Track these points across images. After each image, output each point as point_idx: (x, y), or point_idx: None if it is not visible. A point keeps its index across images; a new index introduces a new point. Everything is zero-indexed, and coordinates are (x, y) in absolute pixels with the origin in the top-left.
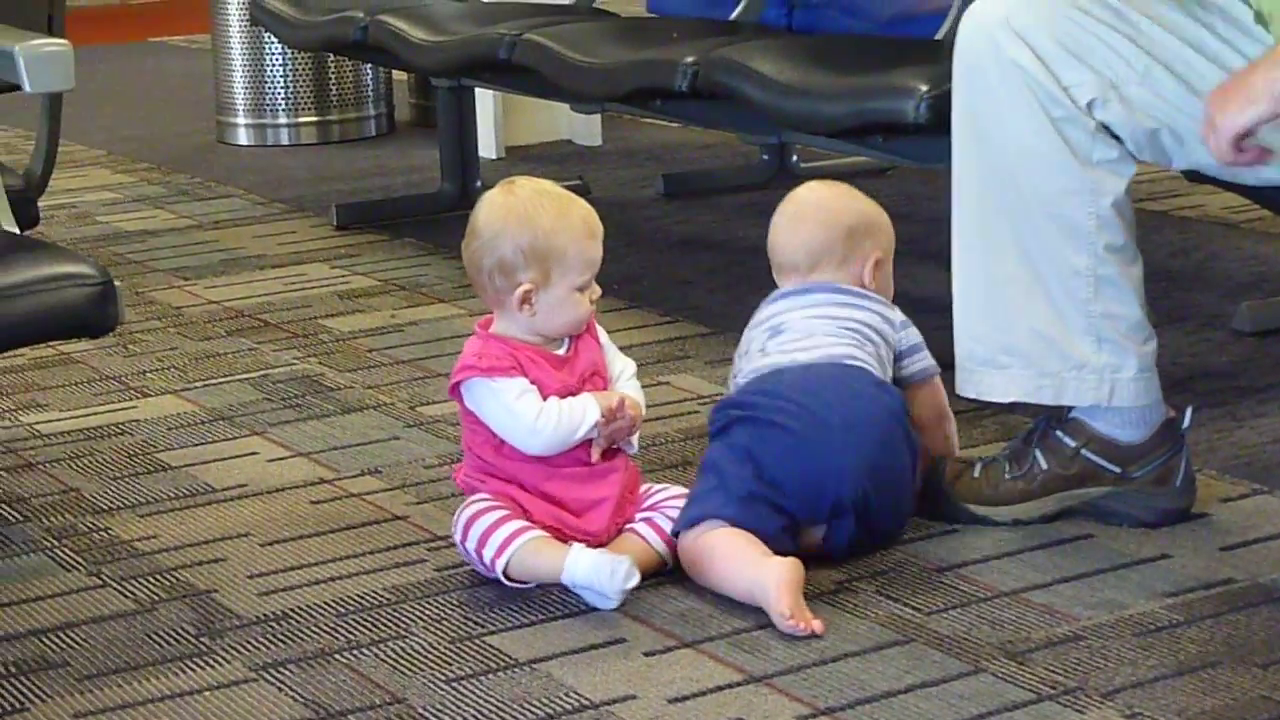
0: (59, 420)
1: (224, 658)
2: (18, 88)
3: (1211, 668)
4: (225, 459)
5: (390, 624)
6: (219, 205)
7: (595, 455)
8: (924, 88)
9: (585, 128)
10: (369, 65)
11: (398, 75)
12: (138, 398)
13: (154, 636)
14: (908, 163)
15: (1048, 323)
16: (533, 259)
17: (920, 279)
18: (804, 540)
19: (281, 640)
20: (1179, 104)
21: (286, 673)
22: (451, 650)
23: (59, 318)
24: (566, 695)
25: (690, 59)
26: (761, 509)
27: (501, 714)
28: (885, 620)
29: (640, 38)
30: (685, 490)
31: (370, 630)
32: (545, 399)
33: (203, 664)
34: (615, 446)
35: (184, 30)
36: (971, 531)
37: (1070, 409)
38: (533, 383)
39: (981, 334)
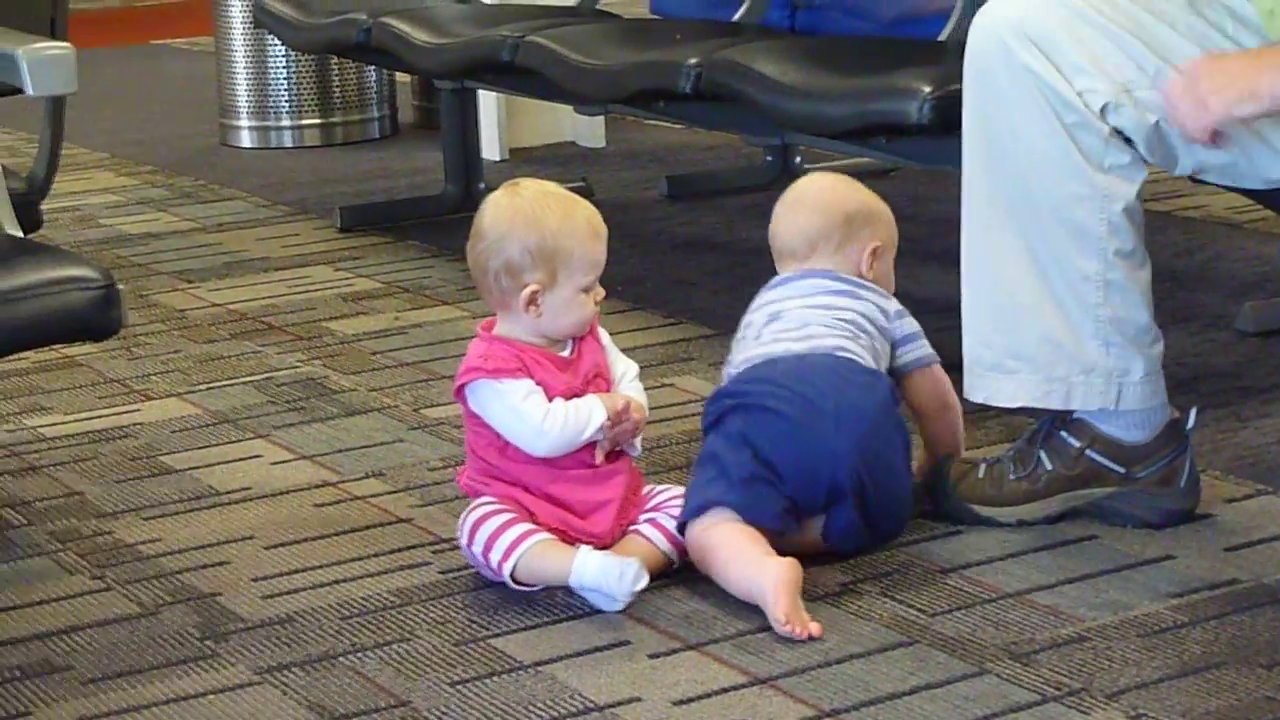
0: (62, 423)
1: (228, 661)
2: (20, 91)
3: (1216, 669)
4: (229, 462)
5: (395, 627)
6: (222, 208)
7: (599, 457)
8: (927, 89)
9: (589, 129)
10: (372, 67)
11: (401, 77)
12: (141, 401)
13: (158, 640)
14: (911, 164)
15: (1056, 327)
16: (539, 260)
17: (923, 280)
18: (804, 537)
19: (286, 643)
20: None
21: (291, 676)
22: (456, 653)
23: (62, 321)
24: (571, 698)
25: (693, 61)
26: (763, 489)
27: (506, 717)
28: (889, 622)
29: (643, 39)
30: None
31: (374, 633)
32: (550, 400)
33: (207, 667)
34: (619, 449)
35: (187, 33)
36: (976, 532)
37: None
38: (538, 384)
39: (989, 339)
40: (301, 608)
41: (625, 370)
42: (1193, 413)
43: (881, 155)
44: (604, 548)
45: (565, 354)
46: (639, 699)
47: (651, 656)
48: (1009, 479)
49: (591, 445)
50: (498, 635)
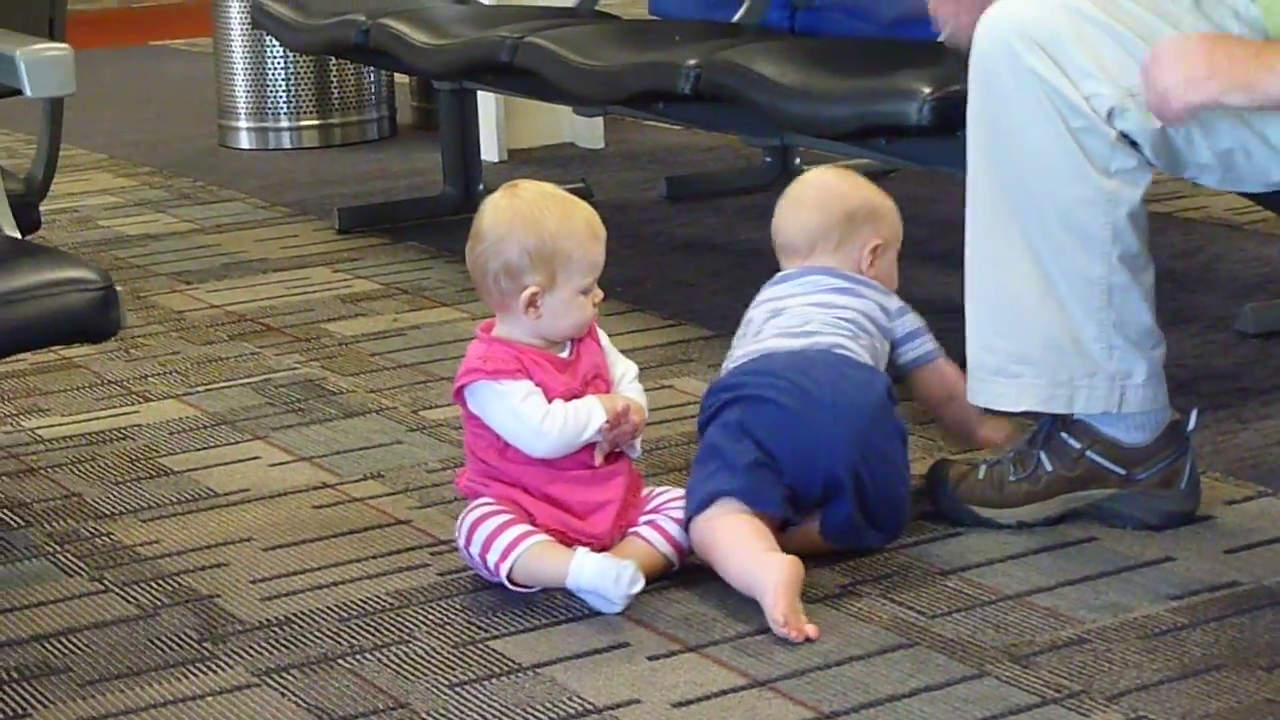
0: (60, 425)
1: (226, 663)
2: (19, 92)
3: (1216, 671)
4: (227, 463)
5: (393, 629)
6: (221, 209)
7: (598, 459)
8: (927, 90)
9: (587, 131)
10: (371, 68)
11: (399, 78)
12: (139, 402)
13: (156, 642)
14: (911, 165)
15: (1060, 331)
16: (539, 261)
17: (923, 281)
18: (803, 537)
19: (284, 645)
20: None
21: (289, 678)
22: (454, 655)
23: (60, 322)
24: (570, 700)
25: (693, 61)
26: (765, 475)
27: (504, 719)
28: (889, 624)
29: (642, 40)
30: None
31: (373, 635)
32: (549, 402)
33: (205, 669)
34: (618, 450)
35: (185, 34)
36: (975, 534)
37: None
38: (537, 385)
39: (993, 343)
40: (300, 609)
41: (625, 371)
42: (1193, 414)
43: (881, 156)
44: (603, 549)
45: (564, 355)
46: (638, 701)
47: (651, 658)
48: (1009, 480)
49: (590, 447)
50: (496, 637)
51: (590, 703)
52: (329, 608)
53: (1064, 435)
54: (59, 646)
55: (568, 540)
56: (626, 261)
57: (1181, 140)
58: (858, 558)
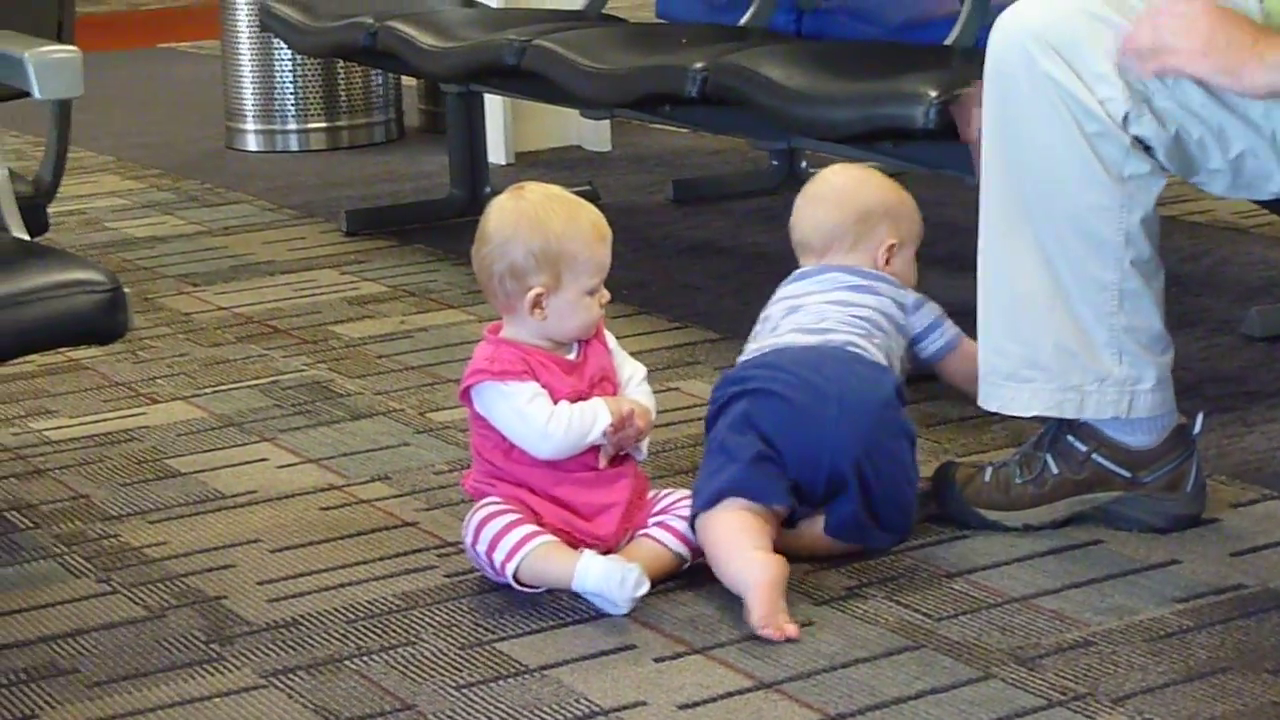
0: (68, 427)
1: (234, 664)
2: (27, 94)
3: (1222, 673)
4: (235, 465)
5: (400, 630)
6: (228, 211)
7: (603, 462)
8: (933, 93)
9: (594, 133)
10: (378, 71)
11: (407, 81)
12: (147, 404)
13: (164, 643)
14: (917, 168)
15: (1071, 336)
16: (544, 263)
17: (929, 284)
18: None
19: (291, 647)
20: (1205, 113)
21: (296, 679)
22: (461, 657)
23: (68, 324)
24: (577, 702)
25: (699, 65)
26: (770, 468)
27: None
28: (895, 626)
29: (649, 44)
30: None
31: (380, 637)
32: (556, 403)
33: (212, 670)
34: (623, 453)
35: (193, 36)
36: (981, 536)
37: None
38: (544, 387)
39: (1005, 347)
40: (307, 611)
41: (632, 374)
42: (1199, 418)
43: (887, 160)
44: (609, 550)
45: (571, 357)
46: (644, 703)
47: (657, 660)
48: (1015, 483)
49: (596, 449)
50: (503, 639)
51: (597, 704)
52: (336, 609)
53: (1070, 438)
54: (66, 648)
55: (574, 541)
56: (633, 264)
57: (1195, 145)
58: (864, 560)
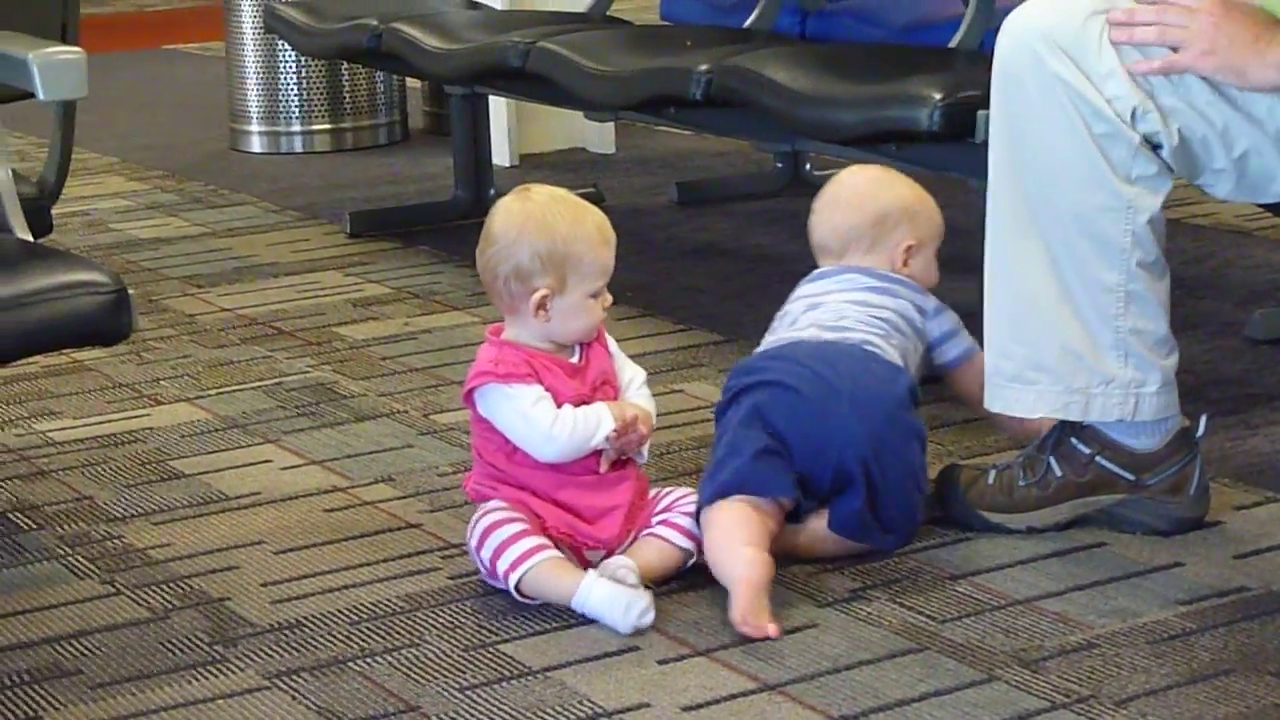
0: (72, 428)
1: (237, 666)
2: (31, 95)
3: (1225, 676)
4: (239, 467)
5: (404, 632)
6: (232, 213)
7: (604, 466)
8: (938, 96)
9: (599, 136)
10: (382, 73)
11: (411, 83)
12: (151, 405)
13: (167, 644)
14: (921, 171)
15: (1077, 338)
16: (550, 265)
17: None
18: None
19: (295, 648)
20: (1209, 111)
21: (300, 681)
22: (465, 658)
23: (72, 325)
24: (580, 704)
25: (704, 67)
26: (775, 461)
27: None
28: (899, 628)
29: (654, 46)
30: (694, 490)
31: (384, 638)
32: (559, 406)
33: (216, 672)
34: (625, 457)
35: (198, 38)
36: (985, 539)
37: None
38: (547, 390)
39: (1010, 349)
40: (311, 613)
41: (633, 377)
42: (1203, 420)
43: (892, 162)
44: (612, 553)
45: (574, 360)
46: (648, 705)
47: (661, 662)
48: (1019, 486)
49: (598, 452)
50: (507, 640)
51: (600, 706)
52: (340, 611)
53: (1074, 441)
54: (70, 649)
55: (577, 544)
56: (637, 266)
57: (1198, 144)
58: (867, 562)
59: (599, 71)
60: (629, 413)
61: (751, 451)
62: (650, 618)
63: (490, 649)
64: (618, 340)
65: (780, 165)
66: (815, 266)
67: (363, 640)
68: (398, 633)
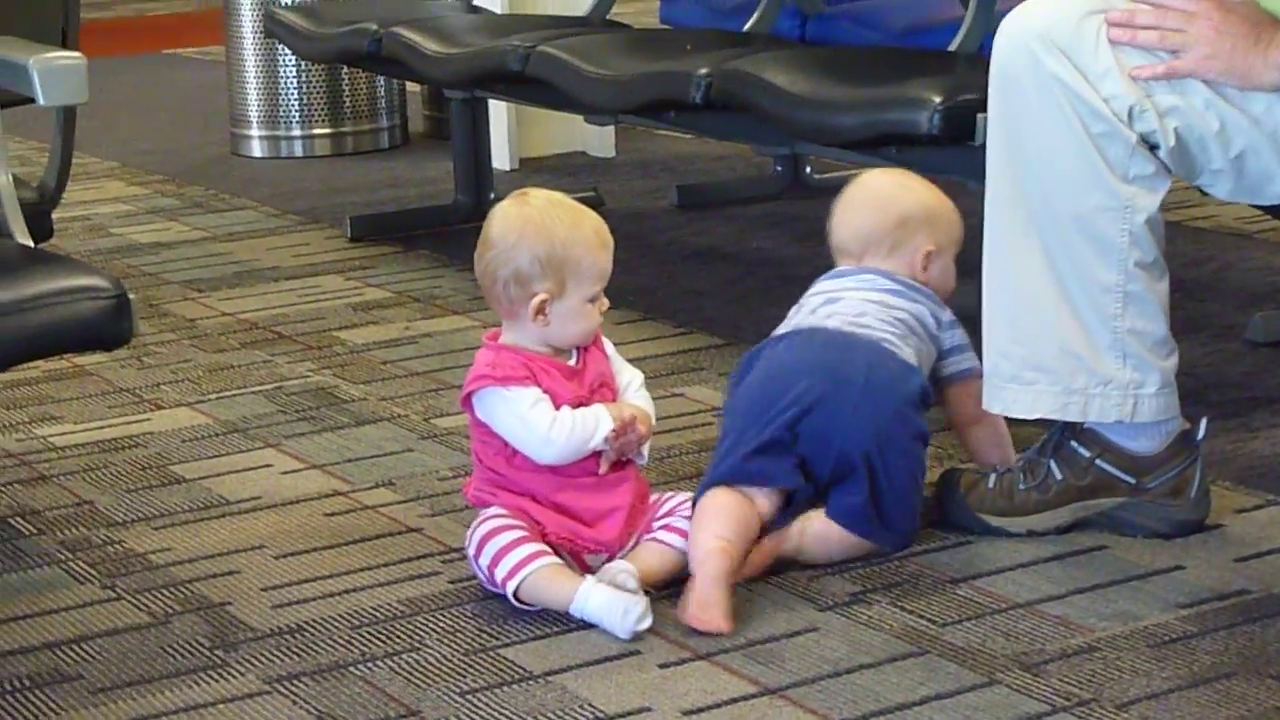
0: (73, 433)
1: (238, 670)
2: (32, 100)
3: (1226, 679)
4: (239, 471)
5: (404, 636)
6: (233, 217)
7: (604, 467)
8: (938, 99)
9: (599, 139)
10: (382, 77)
11: (411, 87)
12: (152, 410)
13: (168, 649)
14: (921, 174)
15: (1075, 339)
16: (549, 269)
17: None
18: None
19: (295, 653)
20: (1207, 110)
21: (300, 685)
22: (466, 662)
23: (73, 330)
24: (581, 707)
25: (704, 71)
26: (775, 450)
27: None
28: (899, 632)
29: (653, 49)
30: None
31: (384, 643)
32: (558, 409)
33: (217, 676)
34: (625, 458)
35: (198, 42)
36: (986, 542)
37: None
38: (546, 393)
39: (1009, 350)
40: (311, 617)
41: (630, 380)
42: (1203, 423)
43: (892, 165)
44: (613, 555)
45: (571, 363)
46: (649, 709)
47: (661, 666)
48: (1019, 489)
49: (597, 454)
50: (508, 645)
51: (601, 710)
52: (340, 615)
53: (1074, 444)
54: (71, 654)
55: (577, 547)
56: (637, 270)
57: (1196, 144)
58: (868, 565)
59: (599, 75)
60: (627, 413)
61: (758, 444)
62: (648, 622)
63: (491, 653)
64: (618, 344)
65: (780, 169)
66: (816, 269)
67: (363, 645)
68: (398, 637)
